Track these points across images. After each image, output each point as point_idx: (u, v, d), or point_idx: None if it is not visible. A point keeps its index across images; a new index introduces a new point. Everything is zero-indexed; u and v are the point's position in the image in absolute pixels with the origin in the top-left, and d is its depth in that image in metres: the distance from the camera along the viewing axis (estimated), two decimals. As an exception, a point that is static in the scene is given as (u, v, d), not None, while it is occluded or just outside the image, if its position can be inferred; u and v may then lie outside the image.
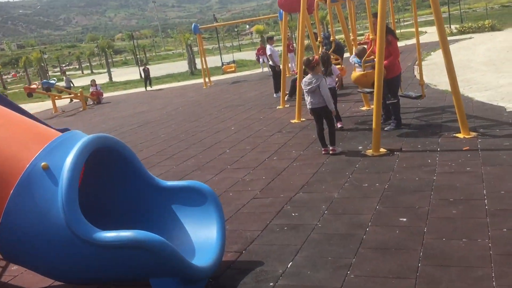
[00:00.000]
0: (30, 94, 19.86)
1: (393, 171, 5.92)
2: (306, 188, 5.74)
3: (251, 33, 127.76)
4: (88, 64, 67.55)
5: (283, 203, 5.36)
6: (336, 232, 4.40)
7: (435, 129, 7.67)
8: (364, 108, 10.35)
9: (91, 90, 21.86)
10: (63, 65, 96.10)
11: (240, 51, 56.46)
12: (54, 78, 21.07)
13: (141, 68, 21.34)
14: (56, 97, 20.25)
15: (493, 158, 5.85)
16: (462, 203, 4.63)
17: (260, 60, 22.73)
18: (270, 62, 14.62)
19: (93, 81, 22.02)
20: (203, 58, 22.01)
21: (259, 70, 24.08)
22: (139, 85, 30.82)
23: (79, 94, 20.07)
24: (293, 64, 19.42)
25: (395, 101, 7.96)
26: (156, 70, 43.94)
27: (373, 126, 6.90)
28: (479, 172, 5.44)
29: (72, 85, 25.29)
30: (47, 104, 22.08)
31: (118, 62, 77.38)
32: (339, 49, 12.77)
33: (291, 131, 9.29)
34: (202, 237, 3.91)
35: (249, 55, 38.58)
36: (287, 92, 13.30)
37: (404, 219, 4.45)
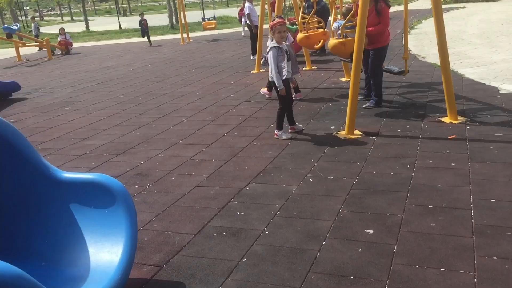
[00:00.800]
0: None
1: (366, 161, 5.01)
2: (262, 178, 4.82)
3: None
4: (69, 10, 64.58)
5: (230, 196, 4.44)
6: (285, 244, 3.50)
7: (419, 110, 6.75)
8: (344, 79, 9.38)
9: (59, 39, 20.37)
10: (45, 9, 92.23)
11: (228, 6, 54.40)
12: (17, 24, 19.38)
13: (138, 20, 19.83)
14: (20, 45, 18.77)
15: (483, 152, 4.97)
16: (443, 213, 3.76)
17: (243, 21, 21.22)
18: (248, 21, 13.41)
19: (62, 29, 20.49)
20: (181, 13, 20.56)
21: (241, 29, 22.58)
22: (116, 36, 29.25)
23: (44, 43, 18.60)
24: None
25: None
26: (137, 21, 41.97)
27: (348, 104, 5.95)
28: (465, 169, 4.56)
29: (39, 32, 23.54)
30: (13, 52, 20.52)
31: (102, 11, 74.33)
32: (324, 12, 11.63)
33: (259, 101, 8.30)
34: (104, 251, 2.98)
35: (235, 12, 36.87)
36: (263, 56, 12.16)
37: (371, 231, 3.57)
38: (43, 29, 31.59)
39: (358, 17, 5.79)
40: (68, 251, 3.09)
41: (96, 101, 9.53)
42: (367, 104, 7.15)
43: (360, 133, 5.94)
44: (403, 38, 8.24)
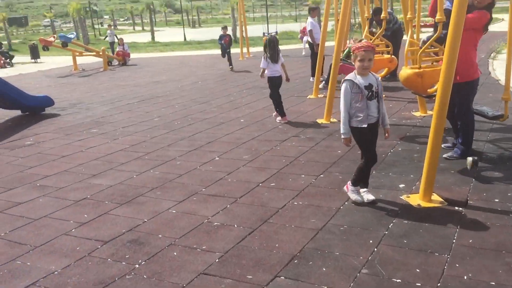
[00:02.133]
0: (46, 47, 18.11)
1: (450, 253, 3.43)
2: (294, 268, 3.37)
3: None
4: (141, 20, 66.12)
5: (242, 300, 3.02)
6: None
7: (523, 168, 5.03)
8: (418, 114, 7.73)
9: (117, 49, 19.94)
10: (122, 19, 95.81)
11: (296, 21, 53.31)
12: (73, 32, 19.10)
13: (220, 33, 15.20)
14: (77, 54, 18.45)
15: None
16: None
17: (304, 39, 19.72)
18: (310, 39, 11.98)
19: (121, 39, 20.04)
20: (242, 26, 19.50)
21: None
22: (178, 48, 28.85)
23: (101, 53, 18.15)
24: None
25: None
26: (204, 33, 41.86)
27: (426, 157, 4.37)
28: None
29: (114, 39, 23.17)
30: (79, 59, 20.07)
31: (173, 22, 75.75)
32: (396, 34, 9.94)
33: (312, 137, 6.83)
34: None
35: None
36: (323, 79, 10.73)
37: None
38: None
39: (449, 37, 4.21)
40: None
41: (128, 123, 8.45)
42: (450, 154, 5.50)
43: (441, 199, 4.34)
44: (488, 65, 6.48)
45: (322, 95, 9.97)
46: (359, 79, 4.19)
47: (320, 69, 10.09)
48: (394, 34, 10.60)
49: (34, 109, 9.39)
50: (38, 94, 10.55)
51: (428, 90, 5.17)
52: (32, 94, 9.66)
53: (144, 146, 6.85)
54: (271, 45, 7.65)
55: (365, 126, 4.22)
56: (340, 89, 4.36)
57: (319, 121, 7.77)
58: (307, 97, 9.98)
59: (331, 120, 7.71)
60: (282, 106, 7.97)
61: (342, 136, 4.28)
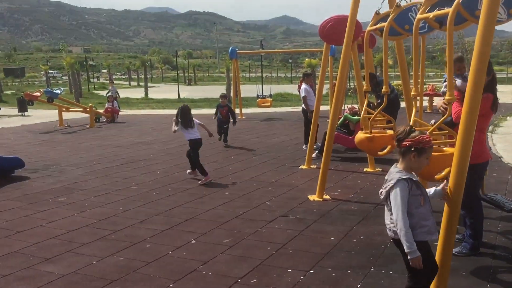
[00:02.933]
0: (31, 102, 17.59)
1: None
2: None
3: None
4: (137, 76, 66.68)
5: None
6: None
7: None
8: (368, 170, 7.09)
9: (106, 106, 19.48)
10: (119, 73, 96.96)
11: (291, 83, 53.83)
12: (60, 88, 18.66)
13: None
14: (64, 109, 17.93)
15: None
16: None
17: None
18: (303, 105, 11.52)
19: (110, 96, 19.64)
20: (235, 87, 19.23)
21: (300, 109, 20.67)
22: (171, 105, 28.48)
23: (88, 109, 17.64)
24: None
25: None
26: (199, 91, 41.90)
27: (438, 257, 3.64)
28: None
29: (118, 96, 22.70)
30: (66, 115, 19.33)
31: (169, 78, 76.56)
32: (393, 103, 9.45)
33: (302, 218, 6.11)
34: None
35: (295, 89, 35.68)
36: (316, 147, 10.15)
37: None
38: (105, 93, 31.50)
39: (463, 121, 3.62)
40: None
41: (101, 191, 7.70)
42: (459, 250, 4.78)
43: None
44: (487, 139, 5.93)
45: (315, 166, 9.34)
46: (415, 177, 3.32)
47: (313, 138, 9.52)
48: (391, 104, 10.12)
49: (1, 172, 8.65)
50: (8, 155, 9.84)
51: (436, 177, 4.54)
52: (0, 155, 8.92)
53: (113, 222, 6.09)
54: (183, 114, 8.46)
55: (435, 237, 3.37)
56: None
57: (311, 197, 7.08)
58: (299, 168, 9.34)
59: (324, 197, 7.03)
60: (201, 165, 8.32)
61: (412, 256, 3.15)
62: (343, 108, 10.78)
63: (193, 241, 5.33)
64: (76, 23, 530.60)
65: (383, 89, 6.14)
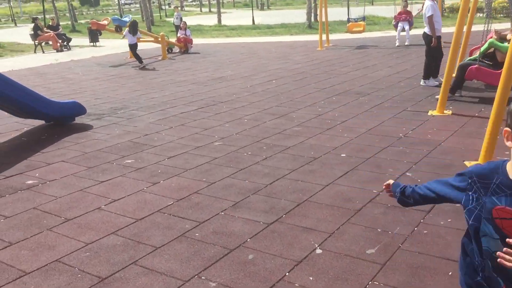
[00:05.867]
0: (99, 31, 16.05)
1: None
2: None
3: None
4: (208, 2, 64.12)
5: None
6: None
7: None
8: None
9: (178, 34, 17.64)
10: (189, 0, 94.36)
11: (372, 4, 49.16)
12: (129, 15, 16.77)
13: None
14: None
15: None
16: None
17: (399, 26, 16.44)
18: (425, 29, 8.92)
19: (184, 23, 17.69)
20: (323, 9, 16.60)
21: (394, 34, 17.62)
22: (246, 33, 26.27)
23: (159, 39, 15.91)
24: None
25: None
26: (273, 16, 39.01)
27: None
28: None
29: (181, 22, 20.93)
30: (141, 45, 17.68)
31: (240, 3, 73.40)
32: None
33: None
34: None
35: (382, 10, 31.94)
36: (439, 82, 7.78)
37: None
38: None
39: None
40: None
41: (177, 149, 5.97)
42: None
43: None
44: None
45: (450, 111, 7.06)
46: None
47: (451, 72, 7.12)
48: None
49: (60, 119, 7.17)
50: (70, 97, 8.36)
51: None
52: (56, 101, 7.36)
53: (195, 204, 4.32)
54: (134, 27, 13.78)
55: None
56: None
57: (469, 164, 4.92)
58: (428, 113, 7.08)
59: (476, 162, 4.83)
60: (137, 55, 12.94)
61: None
62: (486, 29, 8.11)
63: (318, 250, 3.45)
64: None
65: None
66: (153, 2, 51.75)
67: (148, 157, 5.69)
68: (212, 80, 11.10)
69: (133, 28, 13.60)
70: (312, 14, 26.76)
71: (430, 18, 8.55)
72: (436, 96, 7.90)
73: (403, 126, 6.48)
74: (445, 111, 7.09)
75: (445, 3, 27.82)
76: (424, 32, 8.89)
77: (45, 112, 6.81)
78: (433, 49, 8.72)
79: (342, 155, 5.47)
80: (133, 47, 13.76)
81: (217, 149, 5.91)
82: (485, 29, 8.07)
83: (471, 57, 8.19)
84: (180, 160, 5.53)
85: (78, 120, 7.51)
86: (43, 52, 19.65)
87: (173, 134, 6.63)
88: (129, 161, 5.59)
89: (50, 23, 21.80)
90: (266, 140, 6.17)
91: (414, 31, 16.90)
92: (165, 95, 9.48)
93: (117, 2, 65.92)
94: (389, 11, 30.89)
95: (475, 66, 7.51)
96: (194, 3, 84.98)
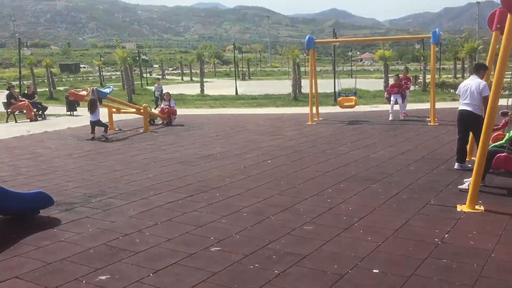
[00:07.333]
0: (76, 102, 15.09)
1: None
2: None
3: (361, 59, 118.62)
4: (189, 71, 64.51)
5: None
6: None
7: None
8: None
9: (162, 105, 16.80)
10: (170, 68, 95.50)
11: (351, 77, 49.98)
12: (110, 86, 15.95)
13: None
14: (114, 110, 15.38)
15: None
16: None
17: (392, 100, 15.98)
18: (472, 108, 7.90)
19: (167, 94, 16.90)
20: (313, 81, 16.07)
21: (383, 107, 17.08)
22: (230, 103, 25.69)
23: (142, 110, 14.99)
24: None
25: None
26: (255, 86, 38.91)
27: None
28: None
29: (161, 95, 20.19)
30: (117, 116, 16.65)
31: (221, 73, 74.32)
32: None
33: None
34: None
35: (364, 83, 32.01)
36: (465, 167, 6.85)
37: None
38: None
39: None
40: None
41: (166, 261, 4.77)
42: None
43: None
44: None
45: (482, 207, 6.09)
46: None
47: (483, 159, 6.21)
48: None
49: (22, 213, 5.92)
50: (33, 189, 7.17)
51: None
52: (18, 191, 6.10)
53: None
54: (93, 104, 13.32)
55: None
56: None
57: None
58: (458, 209, 6.09)
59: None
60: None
61: None
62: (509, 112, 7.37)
63: None
64: (129, 19, 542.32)
65: None
66: (134, 70, 51.69)
67: (128, 271, 4.47)
68: (200, 158, 10.05)
69: (92, 106, 13.25)
70: (297, 86, 26.48)
71: (486, 99, 7.20)
72: (459, 186, 6.99)
73: (435, 228, 5.45)
74: (476, 206, 6.12)
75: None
76: (472, 112, 7.88)
77: (4, 205, 5.57)
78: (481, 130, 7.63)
79: (374, 270, 4.36)
80: (97, 123, 13.39)
81: (215, 258, 4.74)
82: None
83: (497, 143, 7.37)
84: (170, 277, 4.32)
85: (44, 212, 6.28)
86: (16, 121, 18.50)
87: (160, 235, 5.44)
88: (103, 277, 4.35)
89: (26, 92, 20.84)
90: (274, 245, 5.04)
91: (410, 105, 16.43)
92: (148, 178, 8.34)
93: (96, 69, 65.90)
94: (370, 84, 31.08)
95: (503, 154, 6.67)
96: (175, 72, 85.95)
